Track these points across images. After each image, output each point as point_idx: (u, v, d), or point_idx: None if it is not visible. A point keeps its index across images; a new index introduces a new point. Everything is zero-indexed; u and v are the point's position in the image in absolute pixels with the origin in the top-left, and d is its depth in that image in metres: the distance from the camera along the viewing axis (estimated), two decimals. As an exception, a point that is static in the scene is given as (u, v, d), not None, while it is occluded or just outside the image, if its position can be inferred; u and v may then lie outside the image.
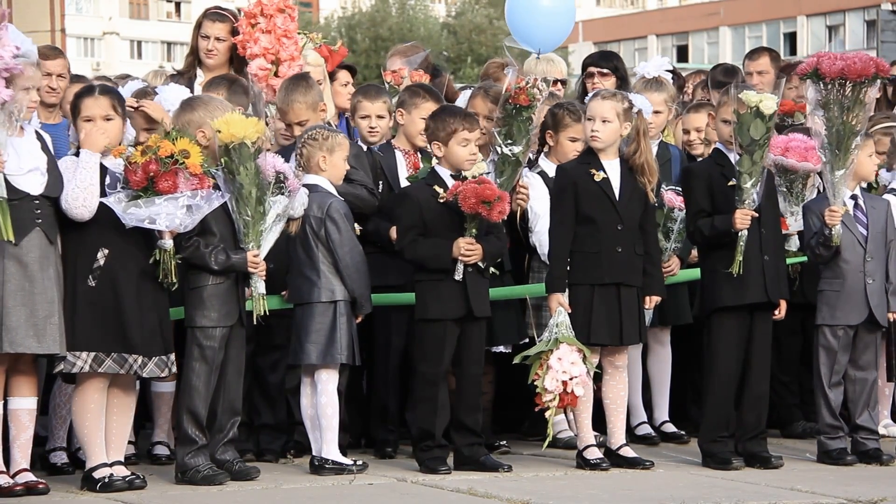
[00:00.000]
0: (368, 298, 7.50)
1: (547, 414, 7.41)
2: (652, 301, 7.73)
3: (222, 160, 7.11)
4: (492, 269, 7.80)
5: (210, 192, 6.90)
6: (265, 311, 7.24)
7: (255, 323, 7.27)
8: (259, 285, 7.21)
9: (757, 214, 7.63)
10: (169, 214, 6.81)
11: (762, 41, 49.01)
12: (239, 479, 7.19)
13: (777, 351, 8.36)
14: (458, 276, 7.45)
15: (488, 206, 7.32)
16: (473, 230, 7.43)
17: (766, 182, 7.75)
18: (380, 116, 8.32)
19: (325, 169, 7.52)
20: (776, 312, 7.77)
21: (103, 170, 6.91)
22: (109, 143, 6.92)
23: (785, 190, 8.15)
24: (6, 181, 6.71)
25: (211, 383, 7.17)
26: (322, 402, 7.41)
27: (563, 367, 7.37)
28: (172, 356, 7.04)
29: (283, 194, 7.17)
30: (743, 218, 7.58)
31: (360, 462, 7.48)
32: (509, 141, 8.10)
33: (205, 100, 7.41)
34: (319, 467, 7.40)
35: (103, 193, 6.85)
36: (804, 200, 8.18)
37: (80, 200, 6.81)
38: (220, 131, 7.07)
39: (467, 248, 7.43)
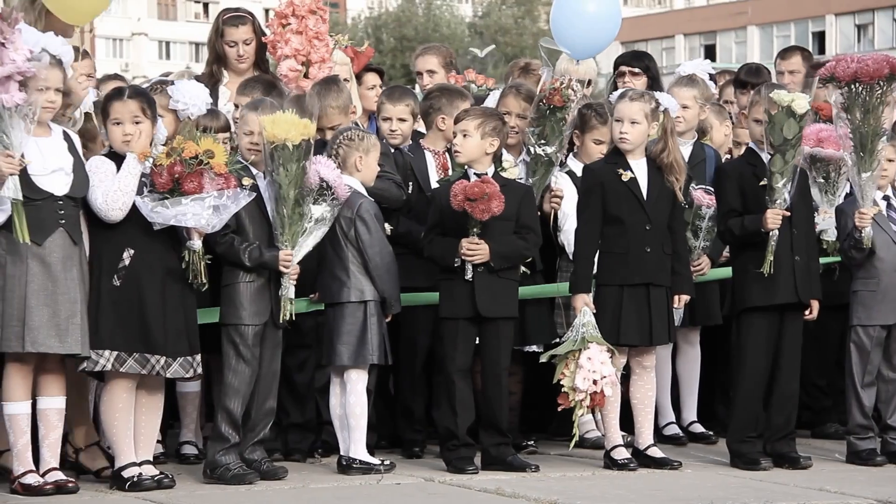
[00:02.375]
0: (398, 298, 7.51)
1: (578, 413, 7.39)
2: (681, 300, 7.71)
3: (274, 159, 7.13)
4: (522, 269, 7.80)
5: (237, 191, 6.91)
6: (292, 316, 7.25)
7: (277, 326, 7.27)
8: (289, 289, 7.21)
9: (788, 214, 7.61)
10: (196, 214, 6.82)
11: (790, 40, 48.84)
12: (267, 478, 7.20)
13: (816, 353, 8.34)
14: (468, 276, 7.45)
15: (472, 203, 7.32)
16: (475, 229, 7.43)
17: (799, 181, 7.74)
18: (401, 119, 8.30)
19: (361, 170, 7.54)
20: (807, 313, 7.75)
21: None
22: (142, 144, 6.93)
23: (822, 181, 8.14)
24: (30, 181, 6.73)
25: (249, 381, 7.19)
26: (351, 401, 7.42)
27: (594, 366, 7.36)
28: (199, 357, 7.04)
29: (325, 202, 7.18)
30: (774, 217, 7.56)
31: (387, 462, 7.49)
32: (542, 141, 8.10)
33: (266, 103, 7.42)
34: (347, 467, 7.41)
35: None
36: (839, 191, 8.17)
37: (119, 203, 6.85)
38: (265, 129, 7.10)
39: (469, 248, 7.44)
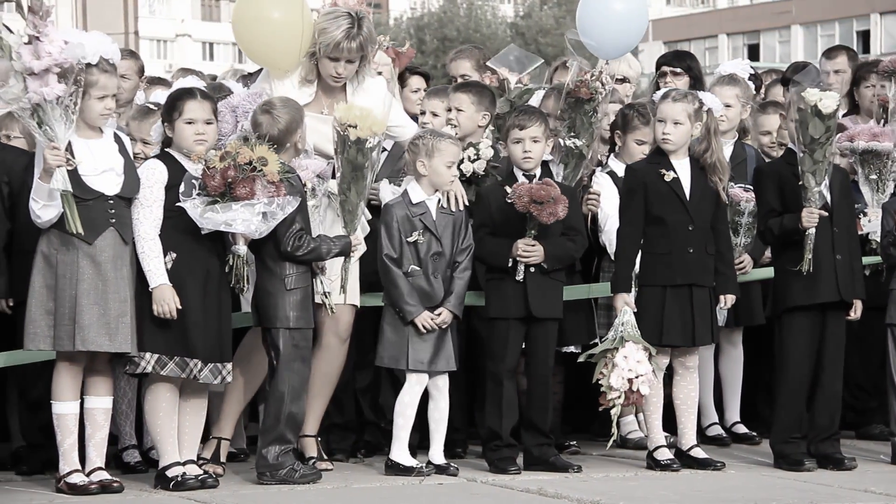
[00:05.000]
0: (402, 309, 7.32)
1: (613, 412, 7.39)
2: (727, 300, 7.68)
3: (347, 150, 7.18)
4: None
5: (286, 198, 6.94)
6: (332, 309, 7.32)
7: (330, 315, 7.32)
8: (326, 283, 7.26)
9: (825, 214, 7.57)
10: (245, 220, 6.85)
11: (834, 39, 48.55)
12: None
13: (861, 353, 8.30)
14: (519, 277, 7.45)
15: (539, 206, 7.31)
16: (533, 231, 7.42)
17: (840, 180, 7.70)
18: (434, 114, 8.35)
19: (425, 174, 7.50)
20: (850, 313, 7.71)
21: (181, 174, 6.97)
22: (207, 147, 6.99)
23: (875, 177, 8.10)
24: (81, 181, 6.78)
25: (307, 383, 7.22)
26: (400, 401, 7.43)
27: (629, 365, 7.35)
28: (229, 366, 7.06)
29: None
30: (810, 217, 7.53)
31: (428, 464, 7.47)
32: (572, 134, 8.10)
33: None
34: (391, 467, 7.42)
35: (178, 199, 6.91)
36: (888, 189, 8.14)
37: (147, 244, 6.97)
38: (355, 126, 7.16)
39: (525, 249, 7.43)
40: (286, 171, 7.02)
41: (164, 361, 6.91)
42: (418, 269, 7.39)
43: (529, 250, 7.45)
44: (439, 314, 7.35)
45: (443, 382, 7.46)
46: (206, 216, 6.84)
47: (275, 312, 7.11)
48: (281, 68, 7.55)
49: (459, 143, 7.66)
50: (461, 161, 7.90)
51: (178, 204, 6.89)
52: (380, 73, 8.20)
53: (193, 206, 6.85)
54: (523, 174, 7.58)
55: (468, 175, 7.95)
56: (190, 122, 7.01)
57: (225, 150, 6.91)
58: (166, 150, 7.10)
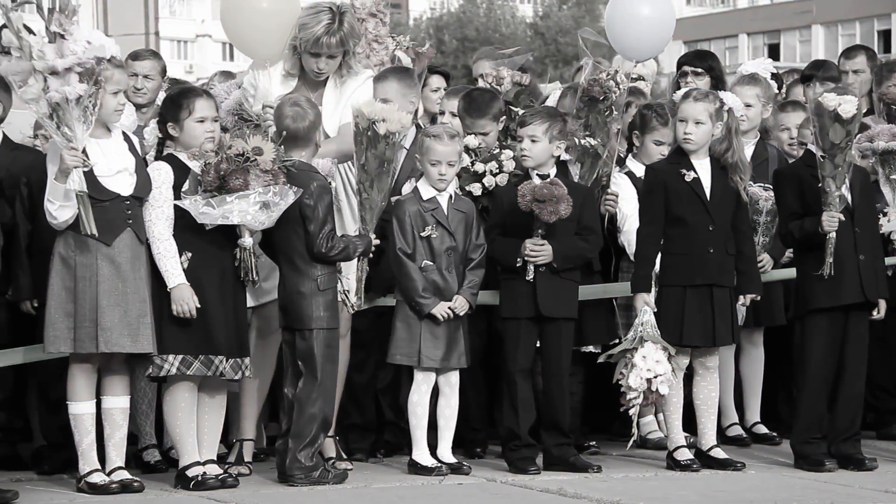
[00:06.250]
0: (417, 302, 7.33)
1: (631, 412, 7.39)
2: (747, 298, 7.65)
3: (376, 145, 7.17)
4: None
5: (285, 188, 6.92)
6: (353, 307, 7.32)
7: (351, 312, 7.34)
8: (344, 282, 7.27)
9: (843, 218, 7.54)
10: (241, 211, 6.86)
11: (855, 39, 48.38)
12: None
13: (882, 354, 8.27)
14: (529, 277, 7.44)
15: (541, 205, 7.30)
16: (540, 230, 7.41)
17: (860, 180, 7.67)
18: (453, 114, 8.35)
19: (420, 169, 7.52)
20: (874, 313, 7.68)
21: (186, 174, 6.98)
22: (215, 144, 7.01)
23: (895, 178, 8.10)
24: (97, 182, 6.79)
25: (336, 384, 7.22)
26: (411, 401, 7.43)
27: (648, 365, 7.34)
28: (248, 360, 7.08)
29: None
30: (830, 221, 7.51)
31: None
32: (587, 133, 8.09)
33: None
34: (411, 466, 7.42)
35: (181, 197, 6.93)
36: None
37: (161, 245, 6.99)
38: (384, 120, 7.16)
39: (533, 249, 7.43)
40: (308, 168, 7.02)
41: (190, 361, 6.92)
42: (431, 264, 7.40)
43: (537, 250, 7.44)
44: (455, 301, 7.36)
45: (455, 379, 7.46)
46: (203, 211, 6.85)
47: (309, 313, 7.09)
48: (260, 56, 7.54)
49: (454, 143, 7.51)
50: (483, 174, 7.88)
51: (175, 202, 6.90)
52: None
53: (192, 203, 6.87)
54: (536, 174, 7.58)
55: (490, 189, 7.93)
56: (201, 121, 7.03)
57: (219, 145, 6.93)
58: (170, 151, 7.10)
